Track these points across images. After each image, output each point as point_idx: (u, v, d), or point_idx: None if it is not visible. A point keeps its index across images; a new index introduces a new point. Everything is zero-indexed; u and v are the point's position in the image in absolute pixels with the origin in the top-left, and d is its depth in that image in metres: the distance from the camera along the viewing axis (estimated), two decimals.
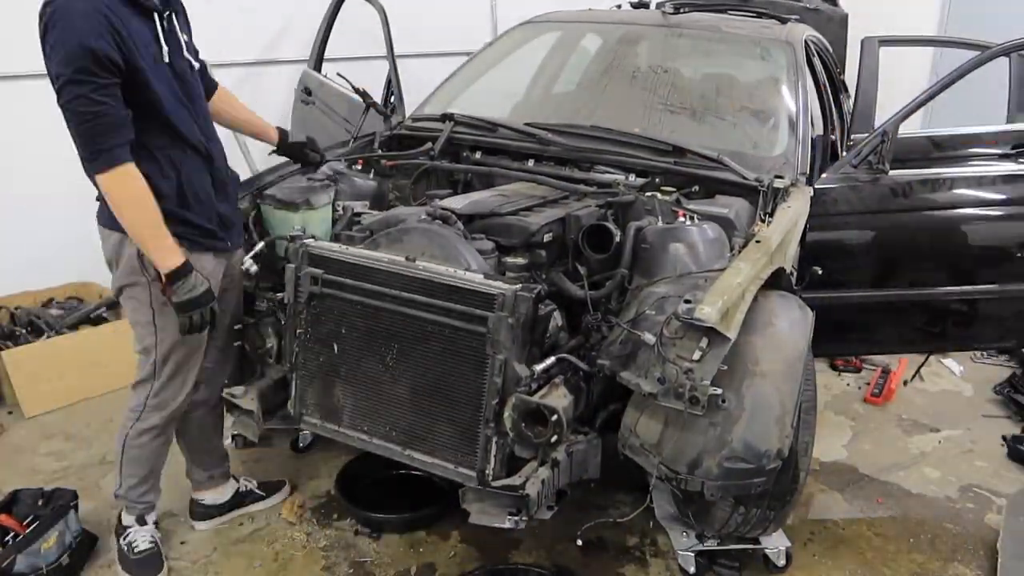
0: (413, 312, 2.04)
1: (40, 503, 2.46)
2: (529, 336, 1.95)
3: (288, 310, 2.22)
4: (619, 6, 4.07)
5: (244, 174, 3.48)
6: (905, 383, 3.72)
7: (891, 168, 2.85)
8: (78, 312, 3.72)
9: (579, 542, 2.36)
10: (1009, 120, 3.67)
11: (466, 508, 2.04)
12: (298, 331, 2.21)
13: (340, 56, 4.22)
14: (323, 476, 2.88)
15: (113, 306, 3.82)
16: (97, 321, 3.72)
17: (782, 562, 2.47)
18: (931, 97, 2.92)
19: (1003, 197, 2.93)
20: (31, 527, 2.36)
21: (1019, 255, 2.91)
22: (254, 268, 2.33)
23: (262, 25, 4.53)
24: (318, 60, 4.18)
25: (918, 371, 3.81)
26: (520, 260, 2.23)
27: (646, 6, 3.98)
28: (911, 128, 3.16)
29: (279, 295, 2.27)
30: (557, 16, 3.79)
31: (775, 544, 2.47)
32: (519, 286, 1.93)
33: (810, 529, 2.70)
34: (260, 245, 2.38)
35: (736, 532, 2.34)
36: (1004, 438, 3.25)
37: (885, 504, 2.86)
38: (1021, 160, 3.06)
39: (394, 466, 2.37)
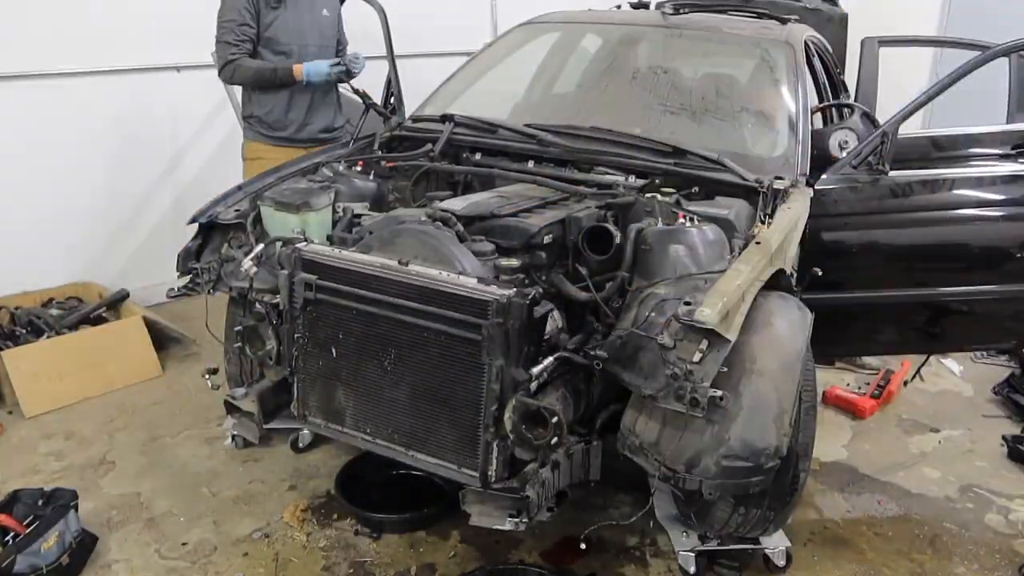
0: (408, 318, 2.04)
1: (40, 503, 2.47)
2: (525, 340, 1.94)
3: (284, 315, 2.22)
4: (619, 6, 4.06)
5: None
6: (905, 383, 3.72)
7: (891, 169, 2.85)
8: (78, 312, 3.72)
9: (583, 545, 2.36)
10: (1009, 120, 3.67)
11: (467, 510, 2.04)
12: (296, 336, 2.21)
13: None
14: (323, 476, 2.89)
15: (113, 306, 3.83)
16: (97, 321, 3.73)
17: (782, 562, 2.47)
18: (931, 98, 2.91)
19: (1003, 197, 2.92)
20: (31, 527, 2.36)
21: (1019, 255, 2.90)
22: (253, 270, 2.33)
23: None
24: None
25: (918, 371, 3.81)
26: (513, 262, 2.20)
27: (646, 6, 3.97)
28: (911, 128, 3.16)
29: (277, 298, 2.27)
30: (557, 17, 3.79)
31: (775, 544, 2.47)
32: (512, 291, 1.92)
33: (810, 529, 2.71)
34: (259, 247, 2.38)
35: (736, 532, 2.35)
36: (1004, 438, 3.25)
37: (885, 504, 2.86)
38: (1021, 160, 3.06)
39: (394, 466, 2.37)
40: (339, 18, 3.71)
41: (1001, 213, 2.94)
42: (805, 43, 3.20)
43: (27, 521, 2.40)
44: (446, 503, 2.52)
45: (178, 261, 2.63)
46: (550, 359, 1.99)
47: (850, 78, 3.77)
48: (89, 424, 3.23)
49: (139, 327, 3.62)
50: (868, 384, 3.69)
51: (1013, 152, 3.12)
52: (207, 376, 2.61)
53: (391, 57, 3.48)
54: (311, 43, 3.52)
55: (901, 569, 2.54)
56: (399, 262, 2.06)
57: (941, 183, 2.92)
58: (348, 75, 3.48)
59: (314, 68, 3.41)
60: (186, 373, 3.65)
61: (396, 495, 2.68)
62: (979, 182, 2.96)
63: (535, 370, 1.95)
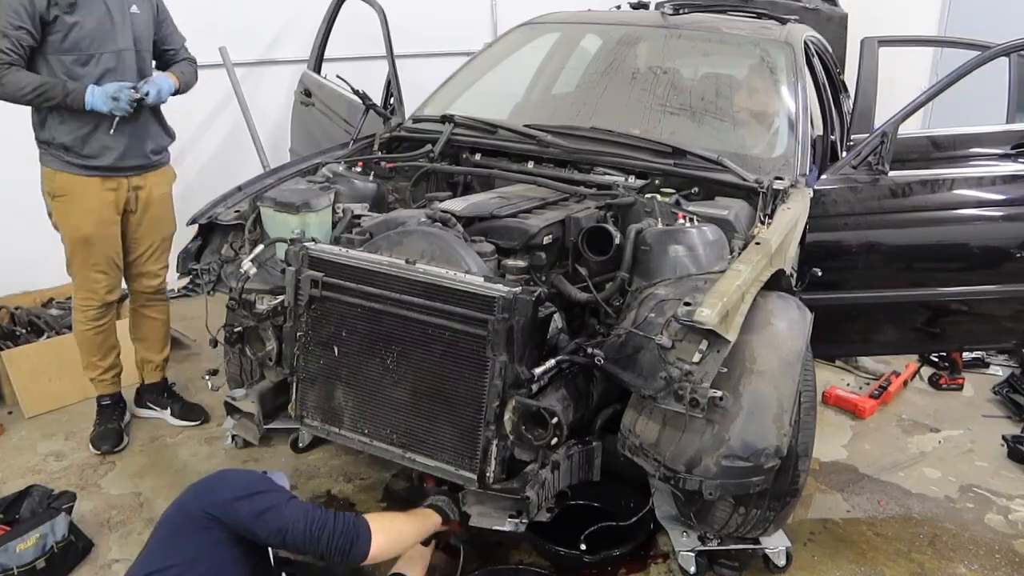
0: (413, 315, 2.04)
1: (48, 502, 2.46)
2: (529, 339, 1.95)
3: (288, 313, 2.22)
4: (619, 7, 4.07)
5: (258, 170, 3.49)
6: (905, 383, 3.72)
7: (891, 169, 2.85)
8: None
9: (583, 546, 2.36)
10: (1009, 120, 3.67)
11: (466, 510, 2.04)
12: (298, 334, 2.21)
13: (340, 56, 4.23)
14: (323, 476, 2.89)
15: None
16: None
17: (782, 562, 2.47)
18: (931, 98, 2.92)
19: (1003, 197, 2.93)
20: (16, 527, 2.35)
21: (1019, 255, 2.91)
22: (253, 271, 2.33)
23: (262, 25, 4.54)
24: (318, 61, 4.19)
25: (918, 371, 3.82)
26: (520, 263, 2.23)
27: (645, 7, 3.98)
28: (911, 128, 3.16)
29: (279, 298, 2.27)
30: (557, 17, 3.80)
31: (775, 544, 2.47)
32: (519, 289, 1.94)
33: (810, 529, 2.71)
34: (259, 248, 2.38)
35: (736, 532, 2.35)
36: (1004, 438, 3.25)
37: (885, 504, 2.86)
38: (1021, 160, 3.07)
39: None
40: (161, 18, 3.03)
41: (1001, 213, 2.95)
42: (805, 43, 3.20)
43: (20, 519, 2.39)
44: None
45: (178, 262, 2.64)
46: (552, 361, 2.00)
47: (850, 78, 3.78)
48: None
49: None
50: (868, 384, 3.69)
51: (1013, 152, 3.13)
52: (207, 377, 2.62)
53: (391, 57, 3.49)
54: (124, 47, 2.80)
55: (901, 569, 2.54)
56: (407, 261, 2.07)
57: (941, 183, 2.93)
58: (138, 104, 2.78)
59: (98, 96, 2.69)
60: (185, 373, 3.65)
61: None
62: (979, 182, 2.97)
63: (537, 371, 1.95)
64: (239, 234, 2.60)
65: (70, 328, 3.58)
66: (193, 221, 2.64)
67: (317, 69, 4.18)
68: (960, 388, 3.73)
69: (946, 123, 4.07)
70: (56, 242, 3.95)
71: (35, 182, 3.84)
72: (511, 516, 1.97)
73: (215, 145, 4.51)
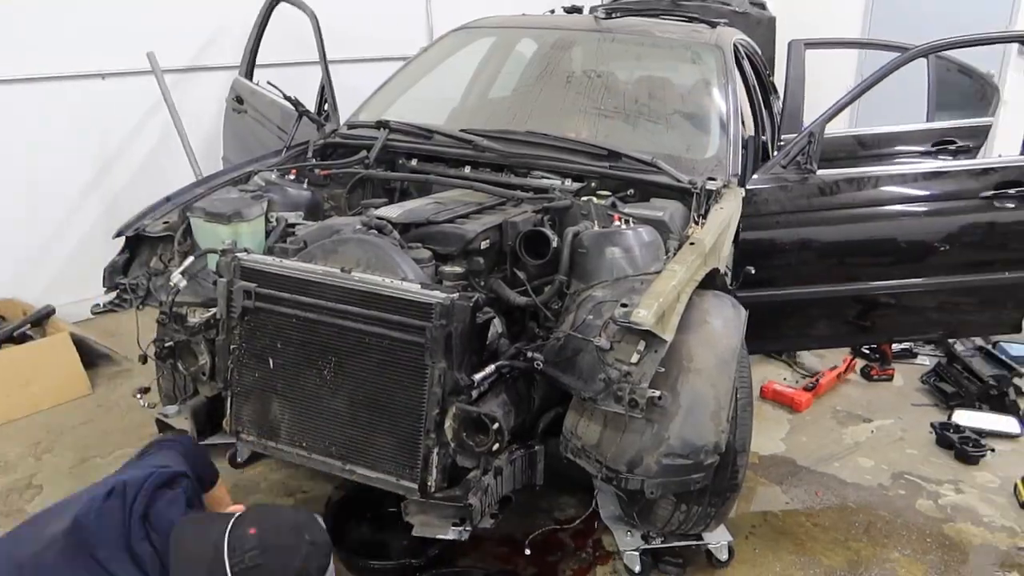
0: (350, 324, 2.01)
1: None
2: (468, 345, 1.94)
3: (220, 326, 2.16)
4: (552, 11, 4.09)
5: (189, 179, 3.40)
6: (839, 376, 3.83)
7: (820, 167, 2.92)
8: (0, 330, 3.57)
9: (527, 551, 2.35)
10: (929, 119, 3.81)
11: (409, 520, 2.02)
12: (232, 347, 2.16)
13: (273, 62, 4.16)
14: (263, 491, 2.83)
15: (38, 323, 3.68)
16: (21, 339, 3.57)
17: (725, 556, 2.51)
18: (855, 98, 3.01)
19: (925, 193, 3.03)
20: None
21: (942, 249, 3.01)
22: (183, 283, 2.26)
23: (192, 30, 4.43)
24: (249, 67, 4.11)
25: (851, 363, 3.93)
26: (457, 269, 2.22)
27: (579, 11, 4.01)
28: (839, 128, 3.25)
29: (211, 310, 2.21)
30: (492, 21, 3.80)
31: (717, 539, 2.51)
32: (456, 295, 1.92)
33: (751, 522, 2.76)
34: (189, 260, 2.32)
35: (679, 530, 2.37)
36: (932, 425, 3.37)
37: (822, 495, 2.93)
38: (941, 157, 3.19)
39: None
40: None
41: (924, 209, 3.04)
42: (734, 46, 3.27)
43: None
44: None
45: (104, 276, 2.54)
46: (491, 366, 1.99)
47: (779, 80, 3.87)
48: (14, 447, 3.09)
49: (66, 344, 3.49)
50: (805, 379, 3.78)
51: (934, 149, 3.25)
52: (139, 396, 2.53)
53: (324, 63, 3.44)
54: None
55: (838, 557, 2.61)
56: (342, 270, 2.04)
57: (867, 180, 3.01)
58: None
59: None
60: (116, 391, 3.53)
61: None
62: (903, 179, 3.06)
63: (477, 377, 1.94)
64: (168, 246, 2.53)
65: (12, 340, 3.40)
66: (119, 234, 2.55)
67: (249, 75, 4.10)
68: (890, 379, 3.86)
69: (872, 122, 4.20)
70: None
71: None
72: (454, 524, 1.96)
73: (144, 154, 4.37)
